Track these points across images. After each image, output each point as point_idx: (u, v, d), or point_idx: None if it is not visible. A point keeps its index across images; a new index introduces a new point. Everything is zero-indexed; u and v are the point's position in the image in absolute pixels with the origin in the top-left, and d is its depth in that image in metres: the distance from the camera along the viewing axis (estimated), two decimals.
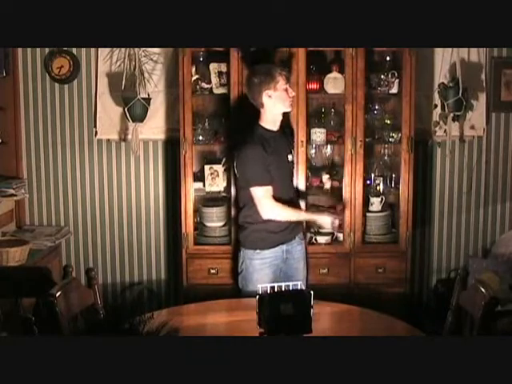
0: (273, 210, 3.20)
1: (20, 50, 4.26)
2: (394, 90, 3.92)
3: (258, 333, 2.49)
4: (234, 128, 3.73)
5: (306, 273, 3.55)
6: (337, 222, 3.38)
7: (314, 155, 4.06)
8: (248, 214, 3.28)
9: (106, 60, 4.23)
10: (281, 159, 3.30)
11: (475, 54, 4.26)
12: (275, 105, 3.25)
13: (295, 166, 3.71)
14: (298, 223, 3.43)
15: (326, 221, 3.43)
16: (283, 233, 3.30)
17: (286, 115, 3.43)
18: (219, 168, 3.95)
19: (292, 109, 3.44)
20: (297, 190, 3.64)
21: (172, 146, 4.28)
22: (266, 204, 3.18)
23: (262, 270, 3.24)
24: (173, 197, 4.33)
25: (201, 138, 3.90)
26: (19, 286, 2.94)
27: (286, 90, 3.25)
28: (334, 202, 4.09)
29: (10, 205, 4.19)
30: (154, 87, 4.19)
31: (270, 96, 3.22)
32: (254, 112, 3.32)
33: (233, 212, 3.74)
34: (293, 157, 3.49)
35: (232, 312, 2.91)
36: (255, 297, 2.52)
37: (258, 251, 3.25)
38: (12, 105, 4.26)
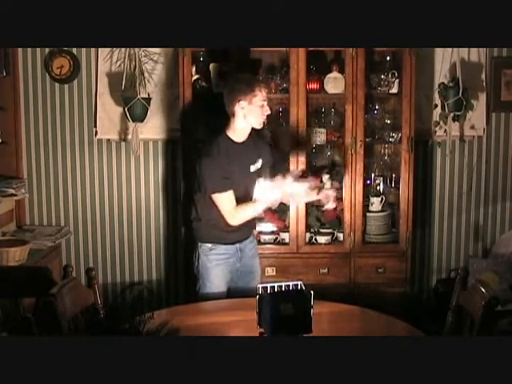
0: (235, 217, 3.14)
1: (20, 49, 4.25)
2: (394, 90, 3.92)
3: (258, 333, 2.49)
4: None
5: (260, 269, 3.50)
6: (308, 184, 3.17)
7: (314, 155, 4.06)
8: (209, 211, 3.21)
9: (106, 60, 4.23)
10: (241, 171, 3.19)
11: (475, 54, 4.26)
12: (246, 118, 3.14)
13: (297, 166, 3.74)
14: (251, 222, 3.37)
15: (298, 189, 3.17)
16: (238, 232, 3.27)
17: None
18: None
19: (262, 127, 3.26)
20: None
21: (172, 146, 4.28)
22: (228, 213, 3.13)
23: (220, 265, 3.22)
24: (173, 197, 4.33)
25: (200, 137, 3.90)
26: (19, 286, 2.93)
27: (262, 106, 3.14)
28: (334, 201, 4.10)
29: (9, 205, 4.18)
30: (154, 87, 4.18)
31: (242, 108, 3.11)
32: (226, 119, 3.22)
33: None
34: (260, 165, 3.29)
35: (232, 312, 2.91)
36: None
37: (213, 246, 3.21)
38: (12, 105, 4.26)
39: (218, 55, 3.88)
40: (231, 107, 3.15)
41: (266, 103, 3.17)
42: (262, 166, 3.30)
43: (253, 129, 3.24)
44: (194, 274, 3.33)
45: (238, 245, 3.28)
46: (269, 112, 3.21)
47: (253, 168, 3.26)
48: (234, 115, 3.16)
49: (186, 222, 3.51)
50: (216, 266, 3.23)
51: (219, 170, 3.09)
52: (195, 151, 3.34)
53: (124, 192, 4.40)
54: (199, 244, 3.26)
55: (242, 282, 3.33)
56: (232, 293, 3.28)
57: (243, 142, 3.22)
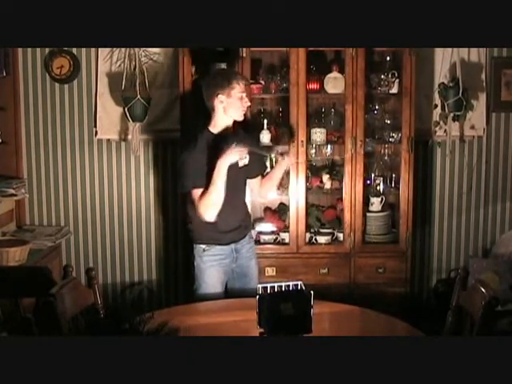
0: (207, 211, 3.06)
1: (20, 50, 4.26)
2: (394, 90, 3.92)
3: (258, 333, 2.49)
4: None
5: (258, 271, 3.45)
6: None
7: (314, 155, 4.06)
8: (194, 210, 3.15)
9: (106, 60, 4.23)
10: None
11: (475, 54, 4.26)
12: (227, 111, 3.11)
13: (298, 165, 3.75)
14: (248, 223, 3.37)
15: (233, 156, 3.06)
16: (233, 233, 3.25)
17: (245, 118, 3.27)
18: None
19: (242, 118, 3.20)
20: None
21: (172, 146, 4.28)
22: (200, 208, 3.06)
23: (214, 266, 3.19)
24: (173, 196, 4.33)
25: None
26: (19, 286, 2.93)
27: (241, 98, 3.11)
28: (334, 201, 4.10)
29: (9, 205, 4.19)
30: (154, 87, 4.18)
31: (221, 101, 3.09)
32: (207, 115, 3.19)
33: None
34: (247, 162, 3.22)
35: (232, 312, 2.91)
36: (255, 297, 2.52)
37: (207, 247, 3.19)
38: (12, 105, 4.26)
39: (218, 55, 3.88)
40: (210, 102, 3.13)
41: (244, 95, 3.13)
42: (249, 162, 3.24)
43: (238, 123, 3.21)
44: (189, 276, 3.32)
45: (233, 245, 3.25)
46: (249, 104, 3.18)
47: (241, 163, 3.20)
48: (214, 110, 3.14)
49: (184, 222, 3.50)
50: (210, 266, 3.19)
51: (196, 165, 3.03)
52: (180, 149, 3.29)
53: (124, 192, 4.40)
54: (194, 245, 3.23)
55: (238, 284, 3.30)
56: (229, 294, 3.26)
57: (227, 136, 3.14)
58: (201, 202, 3.05)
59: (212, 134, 3.15)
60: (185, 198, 3.26)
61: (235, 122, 3.20)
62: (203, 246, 3.20)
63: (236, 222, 3.25)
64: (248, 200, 3.50)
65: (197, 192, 3.06)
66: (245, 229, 3.34)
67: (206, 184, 3.03)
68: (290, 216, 3.90)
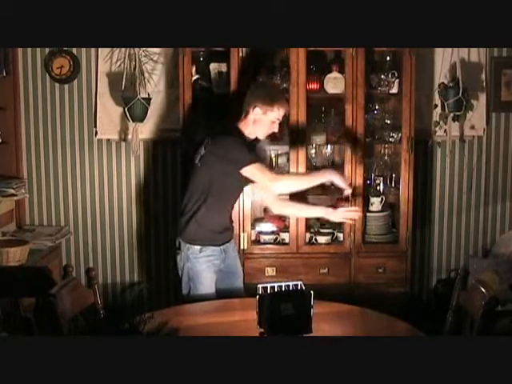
0: (280, 181, 3.15)
1: (20, 50, 4.25)
2: (394, 90, 3.92)
3: (258, 333, 2.49)
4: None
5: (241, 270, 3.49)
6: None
7: (313, 155, 4.06)
8: (200, 212, 3.17)
9: (106, 60, 4.23)
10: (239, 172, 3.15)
11: (475, 54, 4.26)
12: (254, 125, 3.16)
13: (297, 166, 3.78)
14: (232, 224, 3.41)
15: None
16: (225, 233, 3.28)
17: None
18: None
19: (263, 139, 3.30)
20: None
21: (172, 146, 4.28)
22: (269, 176, 3.10)
23: (209, 268, 3.20)
24: (173, 196, 4.33)
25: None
26: (19, 285, 2.93)
27: (273, 122, 3.15)
28: (334, 201, 4.10)
29: (10, 205, 4.18)
30: (154, 87, 4.19)
31: (256, 114, 3.13)
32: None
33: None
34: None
35: (232, 312, 2.91)
36: (255, 297, 2.52)
37: (203, 248, 3.18)
38: (12, 105, 4.25)
39: (217, 55, 3.88)
40: (247, 107, 3.17)
41: (278, 122, 3.18)
42: None
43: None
44: (179, 278, 3.27)
45: (222, 246, 3.27)
46: (276, 130, 3.22)
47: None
48: (246, 115, 3.18)
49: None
50: (207, 267, 3.19)
51: (244, 146, 3.08)
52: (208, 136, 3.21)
53: (124, 192, 4.40)
54: (187, 246, 3.19)
55: (226, 283, 3.31)
56: (218, 294, 3.24)
57: (250, 141, 3.23)
58: (277, 179, 3.13)
59: (242, 132, 3.19)
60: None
61: None
62: (199, 247, 3.19)
63: (227, 223, 3.32)
64: (250, 199, 3.54)
65: (251, 168, 3.06)
66: (232, 230, 3.41)
67: (257, 160, 3.10)
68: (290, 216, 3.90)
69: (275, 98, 3.16)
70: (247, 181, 3.22)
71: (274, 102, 3.13)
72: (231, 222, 3.40)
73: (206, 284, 3.19)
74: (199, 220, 3.17)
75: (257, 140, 3.27)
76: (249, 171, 3.09)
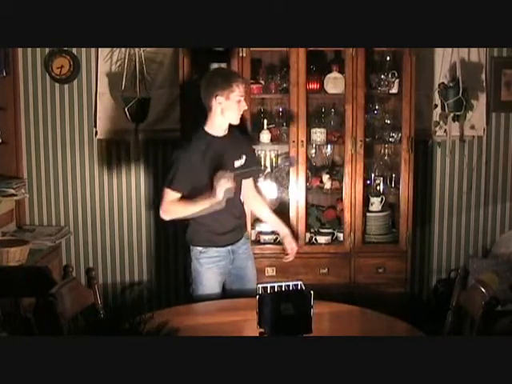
0: (166, 212, 3.08)
1: (20, 50, 4.25)
2: (394, 90, 3.92)
3: (258, 333, 2.49)
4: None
5: (255, 271, 3.43)
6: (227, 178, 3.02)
7: (314, 155, 4.06)
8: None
9: (106, 60, 4.23)
10: (224, 166, 3.09)
11: (475, 54, 4.26)
12: (223, 113, 3.08)
13: (297, 166, 3.75)
14: (243, 223, 3.38)
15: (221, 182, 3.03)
16: (229, 235, 3.24)
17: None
18: None
19: (238, 122, 3.19)
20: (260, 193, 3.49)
21: (172, 146, 4.27)
22: (162, 206, 3.07)
23: (211, 268, 3.18)
24: None
25: None
26: (19, 285, 2.93)
27: (239, 102, 3.09)
28: (334, 201, 4.10)
29: (10, 205, 4.18)
30: (154, 87, 4.19)
31: (220, 103, 3.06)
32: (204, 114, 3.16)
33: None
34: (243, 162, 3.24)
35: (232, 312, 2.91)
36: (255, 297, 2.52)
37: (204, 249, 3.17)
38: (12, 105, 4.26)
39: (218, 55, 3.88)
40: (208, 101, 3.10)
41: (243, 98, 3.12)
42: (245, 162, 3.25)
43: (232, 125, 3.19)
44: (186, 278, 3.29)
45: (230, 247, 3.24)
46: (246, 107, 3.16)
47: (237, 163, 3.21)
48: (211, 110, 3.11)
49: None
50: (208, 269, 3.18)
51: (186, 166, 3.01)
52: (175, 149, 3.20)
53: (124, 192, 4.40)
54: (190, 247, 3.21)
55: (236, 285, 3.29)
56: (227, 296, 3.24)
57: (224, 137, 3.16)
58: (172, 205, 3.05)
59: (208, 134, 3.13)
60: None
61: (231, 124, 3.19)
62: (200, 249, 3.18)
63: (232, 224, 3.24)
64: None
65: (171, 193, 3.03)
66: (240, 230, 3.33)
67: (181, 189, 3.03)
68: (290, 216, 3.90)
69: (230, 78, 3.11)
70: (239, 176, 3.19)
71: (232, 82, 3.07)
72: (239, 220, 3.30)
73: (208, 285, 3.17)
74: (199, 221, 3.16)
75: (231, 131, 3.19)
76: (162, 192, 3.08)
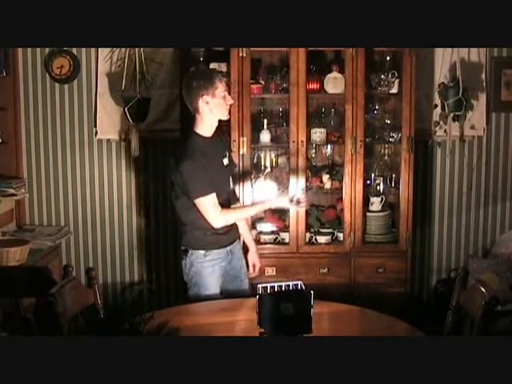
0: (220, 218, 3.10)
1: (20, 50, 4.26)
2: (394, 90, 3.92)
3: (258, 333, 2.49)
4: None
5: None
6: (298, 196, 3.20)
7: (314, 155, 4.06)
8: (196, 217, 3.13)
9: (106, 60, 4.23)
10: (217, 164, 3.15)
11: (475, 54, 4.26)
12: (212, 111, 3.09)
13: (297, 166, 3.75)
14: (235, 224, 3.36)
15: (282, 201, 3.37)
16: (229, 234, 3.24)
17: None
18: None
19: (229, 117, 3.26)
20: (234, 192, 3.47)
21: (172, 146, 4.28)
22: (212, 213, 3.06)
23: (214, 271, 3.17)
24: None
25: None
26: (19, 286, 2.93)
27: (225, 97, 3.11)
28: (334, 201, 4.10)
29: (10, 204, 4.19)
30: (154, 87, 4.19)
31: (207, 102, 3.06)
32: (191, 118, 3.17)
33: None
34: (229, 159, 3.30)
35: (232, 312, 2.91)
36: (255, 296, 2.52)
37: (206, 252, 3.16)
38: (12, 105, 4.26)
39: (218, 55, 3.88)
40: (195, 103, 3.10)
41: (227, 93, 3.15)
42: (229, 160, 3.29)
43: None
44: (184, 282, 3.27)
45: (229, 247, 3.25)
46: (232, 101, 3.19)
47: (225, 161, 3.24)
48: (198, 111, 3.11)
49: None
50: (211, 272, 3.18)
51: (203, 172, 3.03)
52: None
53: (124, 192, 4.40)
54: (190, 251, 3.18)
55: (232, 285, 3.29)
56: (223, 296, 3.23)
57: (213, 136, 3.18)
58: (219, 216, 3.08)
59: (200, 136, 3.13)
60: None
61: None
62: (202, 252, 3.17)
63: (229, 224, 3.24)
64: (250, 199, 3.53)
65: (201, 201, 3.04)
66: (236, 228, 3.36)
67: (209, 191, 3.04)
68: (289, 216, 3.90)
69: (212, 76, 3.13)
70: (228, 173, 3.24)
71: (214, 79, 3.09)
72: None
73: (211, 289, 3.17)
74: (200, 225, 3.14)
75: (215, 131, 3.19)
76: (198, 203, 3.07)
